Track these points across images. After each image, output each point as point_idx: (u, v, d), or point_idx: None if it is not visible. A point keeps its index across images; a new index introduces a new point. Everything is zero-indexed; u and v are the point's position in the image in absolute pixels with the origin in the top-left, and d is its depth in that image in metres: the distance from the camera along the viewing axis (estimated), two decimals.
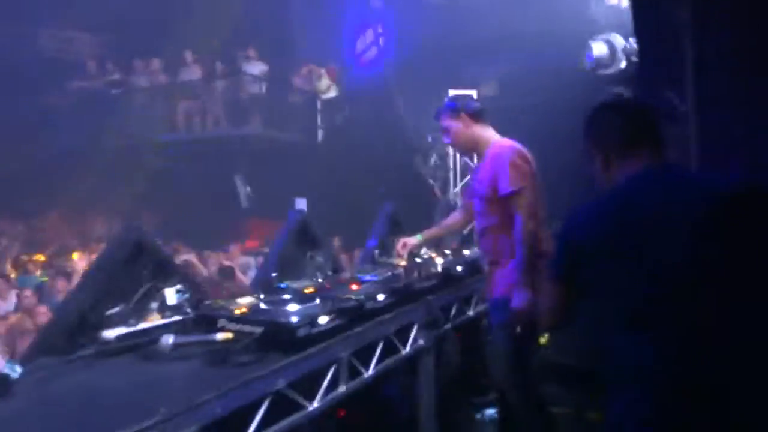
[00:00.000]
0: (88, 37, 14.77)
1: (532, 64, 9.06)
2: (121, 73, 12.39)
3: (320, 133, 12.23)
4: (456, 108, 3.13)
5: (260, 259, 9.29)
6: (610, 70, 5.66)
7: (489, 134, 3.14)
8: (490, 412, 4.36)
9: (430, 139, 8.01)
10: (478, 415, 4.33)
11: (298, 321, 2.07)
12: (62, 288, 6.71)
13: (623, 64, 5.56)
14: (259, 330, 2.07)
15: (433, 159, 8.22)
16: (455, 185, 8.24)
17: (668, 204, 1.58)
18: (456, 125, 3.11)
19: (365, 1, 12.56)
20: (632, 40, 5.50)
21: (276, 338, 2.04)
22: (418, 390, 3.00)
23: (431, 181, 8.12)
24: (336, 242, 8.18)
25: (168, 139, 11.59)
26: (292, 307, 2.20)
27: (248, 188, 11.40)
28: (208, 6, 12.31)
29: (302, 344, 2.06)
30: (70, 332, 2.15)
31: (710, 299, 1.52)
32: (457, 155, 8.23)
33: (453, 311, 3.28)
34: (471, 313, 3.54)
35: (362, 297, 2.44)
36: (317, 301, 2.29)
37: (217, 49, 11.73)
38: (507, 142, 3.07)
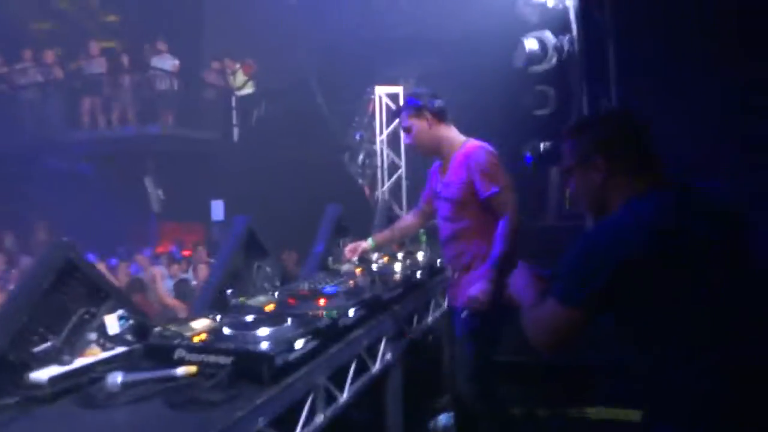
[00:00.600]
0: None
1: (454, 61, 9.11)
2: (10, 66, 11.20)
3: (236, 132, 11.69)
4: (419, 106, 2.94)
5: (174, 267, 8.74)
6: (542, 67, 5.67)
7: (454, 134, 2.99)
8: (444, 417, 4.24)
9: (358, 137, 7.80)
10: (431, 423, 4.20)
11: (274, 348, 1.80)
12: None
13: (554, 61, 5.59)
14: (228, 361, 1.78)
15: (361, 157, 8.01)
16: (383, 184, 8.08)
17: (702, 225, 1.54)
18: (419, 125, 2.93)
19: None
20: (563, 38, 5.55)
21: (249, 369, 1.75)
22: (386, 408, 2.79)
23: (360, 180, 7.91)
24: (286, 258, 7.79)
25: (70, 139, 10.62)
26: (262, 330, 1.92)
27: (160, 191, 10.69)
28: None
29: (279, 374, 1.79)
30: None
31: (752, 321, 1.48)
32: (386, 153, 8.08)
33: (415, 320, 3.10)
34: (430, 319, 3.38)
35: (335, 313, 2.19)
36: (288, 321, 2.02)
37: (123, 42, 10.89)
38: (476, 142, 2.93)
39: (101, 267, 8.26)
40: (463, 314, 2.82)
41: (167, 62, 10.69)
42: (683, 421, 1.44)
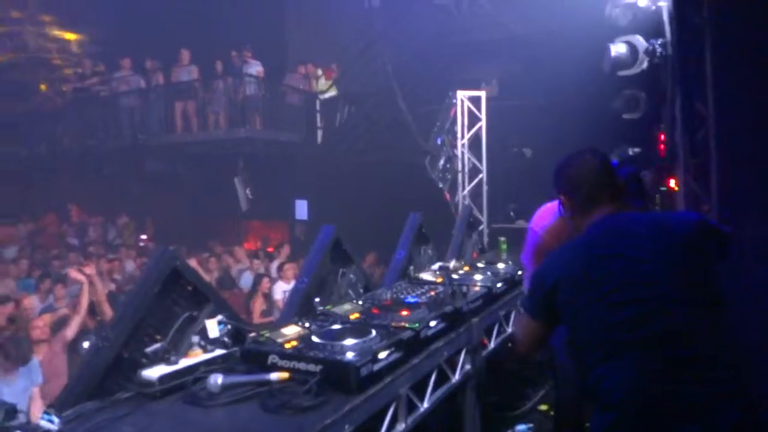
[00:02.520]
0: (80, 35, 14.49)
1: (538, 64, 8.96)
2: (115, 73, 12.08)
3: (320, 134, 12.02)
4: None
5: (256, 263, 9.11)
6: (631, 72, 5.49)
7: None
8: (522, 427, 4.22)
9: (439, 142, 7.83)
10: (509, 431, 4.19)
11: (360, 359, 1.89)
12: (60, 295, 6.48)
13: (645, 65, 5.40)
14: (317, 369, 1.90)
15: (442, 162, 8.04)
16: (464, 188, 8.07)
17: (629, 238, 1.74)
18: None
19: (363, 0, 12.38)
20: (655, 41, 5.35)
21: (337, 378, 1.86)
22: (465, 416, 2.84)
23: (441, 185, 7.94)
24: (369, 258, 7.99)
25: (166, 141, 11.33)
26: (349, 341, 2.02)
27: (248, 190, 11.17)
28: (202, 5, 12.09)
29: (364, 384, 1.89)
30: (107, 373, 1.96)
31: (675, 322, 1.62)
32: (467, 158, 8.07)
33: (495, 331, 3.12)
34: (509, 330, 3.38)
35: (417, 325, 2.27)
36: (373, 332, 2.11)
37: (213, 50, 11.47)
38: None
39: (194, 262, 8.79)
40: None
41: (253, 68, 11.16)
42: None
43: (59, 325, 4.71)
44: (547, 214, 2.63)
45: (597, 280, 1.69)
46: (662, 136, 6.04)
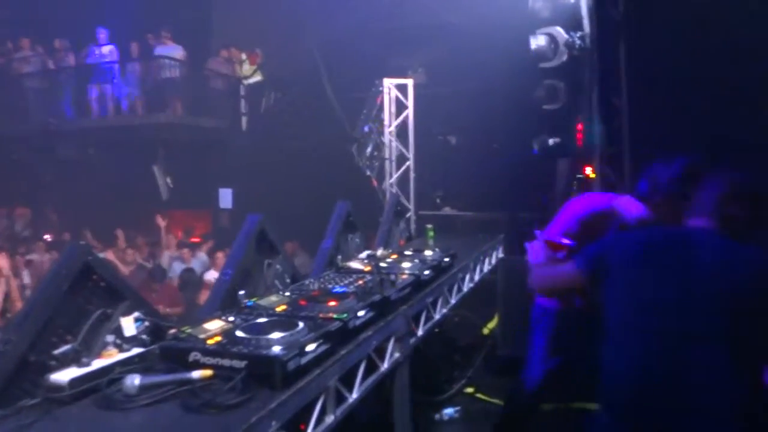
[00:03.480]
0: None
1: (463, 52, 9.08)
2: (23, 53, 11.24)
3: (244, 120, 11.71)
4: None
5: (185, 252, 8.79)
6: (551, 64, 5.65)
7: None
8: (449, 410, 4.31)
9: (366, 129, 7.80)
10: (437, 416, 4.27)
11: (287, 352, 1.84)
12: None
13: (565, 58, 5.57)
14: (241, 365, 1.83)
15: (369, 149, 8.02)
16: (391, 176, 8.09)
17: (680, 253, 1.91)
18: None
19: None
20: (575, 34, 5.53)
21: (263, 374, 1.80)
22: (394, 403, 2.85)
23: (368, 172, 7.93)
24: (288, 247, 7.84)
25: (79, 126, 10.67)
26: (275, 334, 1.96)
27: (168, 179, 10.74)
28: None
29: (291, 378, 1.84)
30: (10, 378, 1.81)
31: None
32: (394, 145, 8.09)
33: (422, 318, 3.14)
34: (437, 316, 3.42)
35: (345, 315, 2.24)
36: (300, 324, 2.06)
37: (131, 31, 10.88)
38: None
39: (111, 254, 8.36)
40: None
41: (174, 51, 10.70)
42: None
43: None
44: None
45: (641, 281, 1.92)
46: (580, 126, 6.28)
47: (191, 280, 7.15)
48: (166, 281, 7.10)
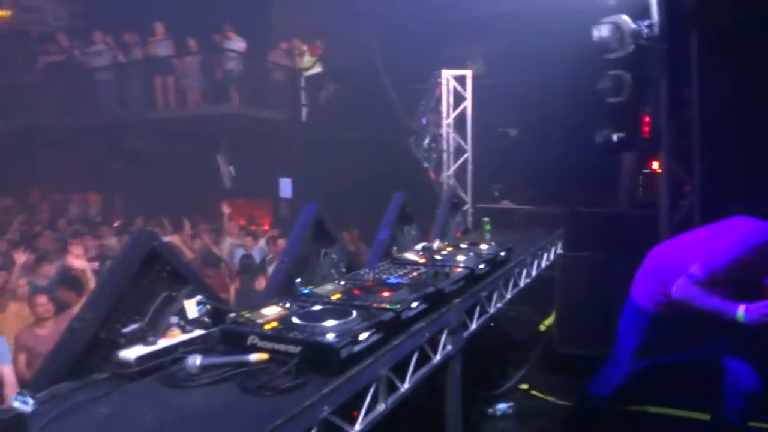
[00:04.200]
0: (58, 6, 14.11)
1: (523, 42, 8.89)
2: (89, 47, 11.79)
3: (304, 111, 11.89)
4: None
5: (248, 239, 9.03)
6: (617, 54, 5.46)
7: None
8: (503, 406, 4.28)
9: (424, 121, 7.78)
10: (490, 410, 4.25)
11: (340, 340, 1.88)
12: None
13: (631, 48, 5.37)
14: (296, 350, 1.88)
15: (427, 141, 8.00)
16: (449, 168, 8.05)
17: None
18: None
19: None
20: (641, 23, 5.32)
21: (317, 360, 1.85)
22: (446, 396, 2.86)
23: (425, 164, 7.91)
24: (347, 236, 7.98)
25: (146, 117, 11.13)
26: (330, 322, 2.00)
27: (231, 168, 11.05)
28: None
29: (344, 365, 1.88)
30: (83, 353, 1.94)
31: None
32: (452, 137, 8.03)
33: (476, 312, 3.13)
34: (491, 310, 3.39)
35: (398, 306, 2.26)
36: (354, 314, 2.10)
37: (192, 25, 11.23)
38: None
39: (176, 239, 8.69)
40: None
41: (236, 44, 10.97)
42: None
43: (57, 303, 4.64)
44: None
45: None
46: (647, 119, 6.05)
47: (250, 266, 7.35)
48: (220, 268, 7.31)
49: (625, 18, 5.29)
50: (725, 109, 5.81)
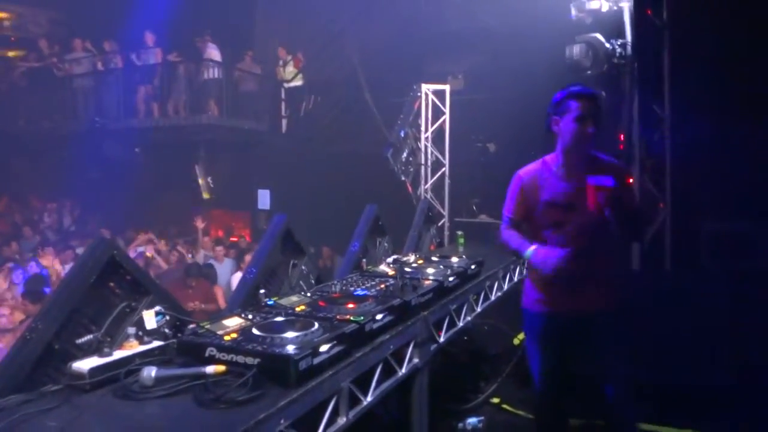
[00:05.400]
0: (39, 12, 13.98)
1: (503, 58, 8.99)
2: (68, 54, 11.69)
3: (284, 123, 11.88)
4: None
5: (217, 249, 8.94)
6: (590, 72, 5.56)
7: None
8: (473, 420, 4.26)
9: (402, 134, 7.81)
10: (460, 425, 4.22)
11: (299, 352, 1.85)
12: None
13: (604, 67, 5.46)
14: (254, 362, 1.86)
15: (405, 154, 8.03)
16: (426, 181, 8.08)
17: None
18: None
19: None
20: (615, 42, 5.42)
21: (275, 371, 1.82)
22: (412, 408, 2.83)
23: (403, 177, 7.93)
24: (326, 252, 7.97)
25: (124, 126, 11.03)
26: (290, 333, 1.98)
27: (209, 178, 10.98)
28: None
29: (303, 377, 1.85)
30: (35, 365, 1.88)
31: None
32: (430, 151, 8.08)
33: (445, 325, 3.12)
34: (461, 323, 3.39)
35: (362, 318, 2.24)
36: (315, 325, 2.08)
37: (177, 34, 11.19)
38: None
39: (150, 249, 8.59)
40: None
41: (213, 53, 10.95)
42: None
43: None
44: None
45: None
46: (621, 137, 6.15)
47: (209, 276, 7.26)
48: (202, 278, 7.24)
49: (599, 37, 5.39)
50: (698, 126, 5.92)
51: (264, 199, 11.11)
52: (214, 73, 10.89)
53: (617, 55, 5.40)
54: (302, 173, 10.16)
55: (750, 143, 5.15)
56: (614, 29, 5.89)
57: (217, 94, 10.93)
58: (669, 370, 4.48)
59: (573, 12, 5.58)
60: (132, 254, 8.00)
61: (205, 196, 11.11)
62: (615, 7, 5.76)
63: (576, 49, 5.34)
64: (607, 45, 5.35)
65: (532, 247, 2.84)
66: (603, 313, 2.86)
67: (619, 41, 5.42)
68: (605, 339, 2.89)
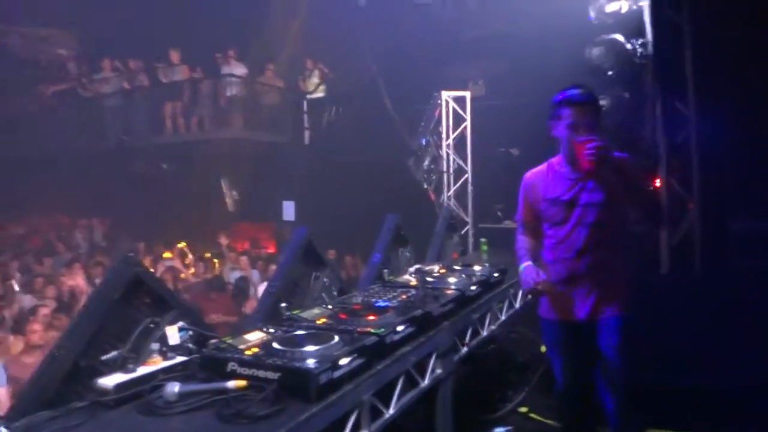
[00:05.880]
0: (65, 34, 14.37)
1: (524, 63, 8.93)
2: (97, 74, 11.99)
3: (307, 135, 11.98)
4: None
5: (241, 260, 9.01)
6: (611, 73, 5.49)
7: None
8: (500, 429, 4.21)
9: (424, 142, 7.81)
10: None
11: (318, 366, 1.86)
12: None
13: (625, 66, 5.39)
14: (275, 376, 1.87)
15: (427, 162, 8.02)
16: (449, 189, 8.05)
17: None
18: None
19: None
20: (635, 42, 5.35)
21: (295, 386, 1.83)
22: (437, 420, 2.82)
23: (425, 185, 7.92)
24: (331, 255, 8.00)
25: (151, 143, 11.25)
26: (310, 347, 1.99)
27: (234, 192, 11.12)
28: (188, 7, 12.00)
29: (323, 391, 1.86)
30: (62, 381, 1.93)
31: None
32: (452, 158, 8.05)
33: (468, 335, 3.10)
34: (485, 333, 3.36)
35: (382, 330, 2.24)
36: (335, 338, 2.08)
37: (198, 51, 11.41)
38: None
39: (177, 262, 8.72)
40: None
41: (238, 69, 11.12)
42: None
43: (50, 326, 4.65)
44: None
45: None
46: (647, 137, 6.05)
47: (242, 289, 7.32)
48: (226, 291, 7.33)
49: (619, 37, 5.32)
50: (723, 124, 5.79)
51: (289, 210, 11.21)
52: (237, 89, 11.05)
53: (638, 54, 5.32)
54: (326, 184, 10.22)
55: None
56: (635, 28, 5.81)
57: (240, 108, 11.08)
58: (697, 372, 4.38)
59: (592, 14, 5.51)
60: (161, 268, 8.14)
61: (231, 209, 11.25)
62: (635, 6, 5.69)
63: (595, 51, 5.28)
64: (628, 45, 5.28)
65: (524, 264, 2.82)
66: (615, 318, 2.72)
67: (640, 40, 5.35)
68: (612, 345, 2.73)
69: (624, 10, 5.46)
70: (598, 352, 2.77)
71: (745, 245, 5.44)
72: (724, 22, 5.35)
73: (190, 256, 9.12)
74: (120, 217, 11.99)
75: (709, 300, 4.77)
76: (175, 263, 8.75)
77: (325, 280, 3.25)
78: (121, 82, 11.66)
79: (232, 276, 8.23)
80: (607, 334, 2.73)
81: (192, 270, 8.86)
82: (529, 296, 2.85)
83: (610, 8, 5.30)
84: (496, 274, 3.61)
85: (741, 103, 5.51)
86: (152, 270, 8.15)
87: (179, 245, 9.37)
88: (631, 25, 5.85)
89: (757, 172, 5.26)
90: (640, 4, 5.66)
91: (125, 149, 11.18)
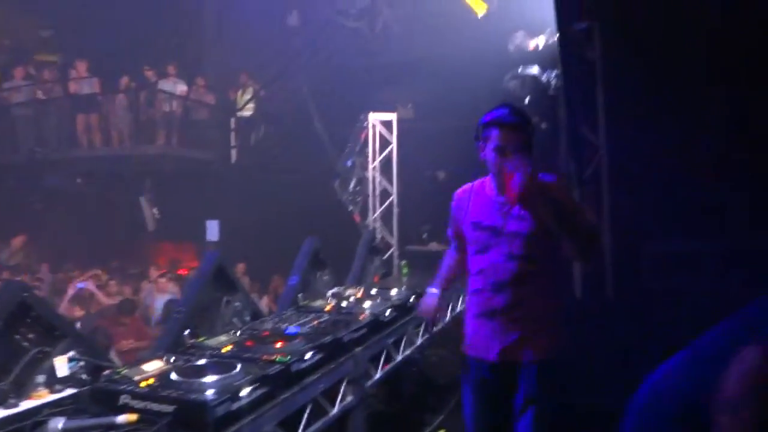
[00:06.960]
0: None
1: (449, 87, 9.18)
2: (14, 82, 11.34)
3: (234, 153, 11.76)
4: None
5: (160, 281, 8.68)
6: (526, 102, 5.73)
7: None
8: None
9: (349, 164, 7.84)
10: None
11: (217, 397, 1.80)
12: None
13: (538, 97, 5.65)
14: (170, 409, 1.79)
15: (353, 184, 8.05)
16: (374, 211, 8.09)
17: None
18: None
19: (281, 19, 12.33)
20: (550, 73, 5.61)
21: (191, 419, 1.76)
22: None
23: (351, 207, 7.93)
24: (241, 269, 7.88)
25: (66, 156, 10.70)
26: (209, 378, 1.92)
27: (155, 210, 10.72)
28: (111, 15, 11.62)
29: (221, 424, 1.80)
30: None
31: None
32: (377, 181, 8.12)
33: (381, 360, 3.09)
34: (399, 358, 3.37)
35: (288, 359, 2.20)
36: (238, 367, 2.02)
37: (120, 62, 11.02)
38: None
39: (91, 284, 8.28)
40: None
41: (176, 86, 10.81)
42: None
43: None
44: None
45: None
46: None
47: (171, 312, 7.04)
48: (135, 315, 7.01)
49: (533, 71, 5.56)
50: (633, 154, 6.12)
51: (212, 230, 10.90)
52: (174, 104, 10.72)
53: (552, 86, 5.58)
54: (252, 203, 10.04)
55: (679, 167, 5.36)
56: (552, 60, 6.09)
57: (166, 123, 10.74)
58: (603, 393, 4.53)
59: (510, 48, 5.75)
60: (72, 290, 7.69)
61: (151, 228, 10.83)
62: (550, 41, 5.97)
63: (512, 84, 5.50)
64: (543, 79, 5.52)
65: (430, 290, 2.73)
66: (536, 364, 2.41)
67: (554, 72, 5.61)
68: (530, 396, 2.42)
69: (541, 46, 5.72)
70: (515, 403, 2.46)
71: (658, 266, 5.72)
72: (636, 57, 5.69)
73: (104, 277, 8.68)
74: (32, 234, 11.29)
75: (621, 321, 4.99)
76: (89, 285, 8.30)
77: (237, 304, 3.17)
78: (34, 91, 11.05)
79: (160, 299, 7.90)
80: (525, 383, 2.42)
81: (108, 292, 8.42)
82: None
83: (527, 44, 5.55)
84: (412, 299, 3.63)
85: (650, 131, 5.85)
86: (67, 291, 7.78)
87: (94, 271, 8.90)
88: (548, 57, 6.13)
89: (668, 195, 5.56)
90: (556, 38, 5.95)
91: (37, 162, 10.57)
